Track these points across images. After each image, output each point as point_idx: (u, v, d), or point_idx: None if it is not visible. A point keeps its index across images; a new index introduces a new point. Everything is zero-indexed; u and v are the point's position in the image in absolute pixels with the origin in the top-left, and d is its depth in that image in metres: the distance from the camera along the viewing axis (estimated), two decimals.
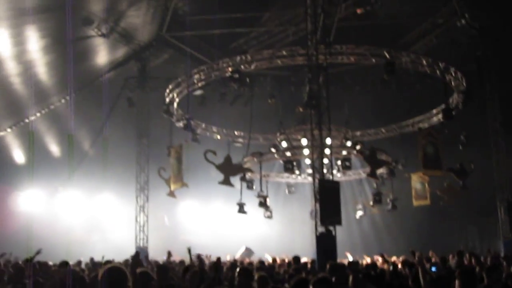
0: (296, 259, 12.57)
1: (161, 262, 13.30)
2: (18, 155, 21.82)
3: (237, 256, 20.96)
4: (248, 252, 22.90)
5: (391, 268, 11.22)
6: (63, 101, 20.94)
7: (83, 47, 20.10)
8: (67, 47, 16.29)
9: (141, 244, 22.77)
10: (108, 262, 11.54)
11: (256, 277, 6.74)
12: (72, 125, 19.52)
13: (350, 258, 20.32)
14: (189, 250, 9.36)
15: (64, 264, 10.03)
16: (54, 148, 22.87)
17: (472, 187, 21.68)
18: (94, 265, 13.00)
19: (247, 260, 18.36)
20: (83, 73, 20.46)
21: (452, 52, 21.40)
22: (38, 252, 9.25)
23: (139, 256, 12.66)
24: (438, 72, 19.52)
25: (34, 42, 17.33)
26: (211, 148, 19.93)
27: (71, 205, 23.52)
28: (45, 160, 21.63)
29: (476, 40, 21.16)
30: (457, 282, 6.20)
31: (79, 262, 14.44)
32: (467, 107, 20.02)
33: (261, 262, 13.80)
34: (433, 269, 9.94)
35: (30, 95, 18.54)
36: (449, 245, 21.96)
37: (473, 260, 12.13)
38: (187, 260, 11.83)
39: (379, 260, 15.72)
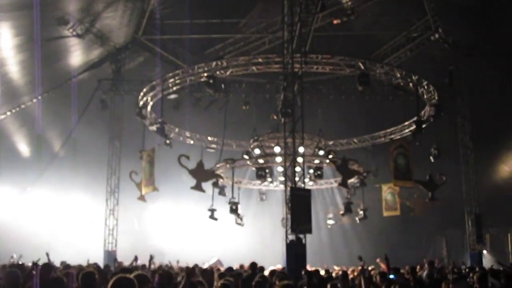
0: (253, 265, 12.16)
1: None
2: None
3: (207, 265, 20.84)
4: (219, 263, 22.76)
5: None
6: (34, 100, 20.58)
7: (58, 47, 19.83)
8: (38, 46, 16.04)
9: (110, 248, 22.37)
10: (67, 266, 11.33)
11: (219, 284, 6.73)
12: (40, 125, 19.21)
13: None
14: (151, 258, 9.98)
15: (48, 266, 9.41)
16: (24, 148, 22.47)
17: (442, 199, 21.98)
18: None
19: (216, 268, 18.23)
20: (57, 73, 20.19)
21: (425, 66, 21.74)
22: None
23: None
24: (410, 84, 19.77)
25: (7, 40, 17.05)
26: (184, 152, 19.85)
27: (39, 206, 23.13)
28: (14, 159, 21.25)
29: (449, 55, 21.55)
30: None
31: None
32: (439, 120, 20.29)
33: (228, 269, 13.62)
34: (392, 276, 10.10)
35: None
36: (417, 255, 22.16)
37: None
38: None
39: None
